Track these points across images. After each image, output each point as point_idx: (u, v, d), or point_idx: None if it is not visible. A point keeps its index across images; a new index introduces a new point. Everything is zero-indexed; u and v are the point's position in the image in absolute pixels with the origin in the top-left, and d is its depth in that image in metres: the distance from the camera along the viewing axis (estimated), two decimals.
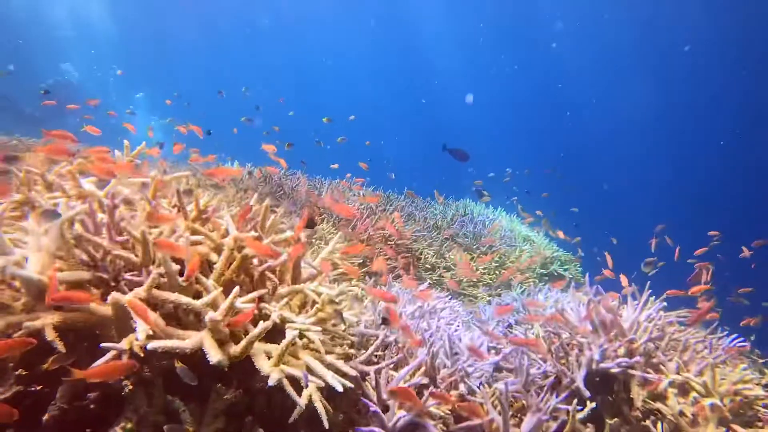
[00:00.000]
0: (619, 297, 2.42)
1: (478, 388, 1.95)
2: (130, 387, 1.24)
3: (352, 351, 1.56)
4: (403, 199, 4.13)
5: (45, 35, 20.38)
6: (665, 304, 2.35)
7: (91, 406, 1.29)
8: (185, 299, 1.25)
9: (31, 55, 19.69)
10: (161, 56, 23.77)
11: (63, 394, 1.28)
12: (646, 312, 2.22)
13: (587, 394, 1.95)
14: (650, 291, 2.28)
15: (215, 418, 1.34)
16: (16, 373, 1.24)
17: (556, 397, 1.91)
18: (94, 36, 20.57)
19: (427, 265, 3.38)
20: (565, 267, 3.86)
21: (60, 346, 1.18)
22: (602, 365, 2.05)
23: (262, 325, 1.24)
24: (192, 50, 24.24)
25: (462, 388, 1.94)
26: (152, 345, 1.14)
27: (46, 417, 1.21)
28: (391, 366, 1.68)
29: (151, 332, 1.15)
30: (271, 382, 1.18)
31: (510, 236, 3.89)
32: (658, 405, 1.92)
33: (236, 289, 1.25)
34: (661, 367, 2.05)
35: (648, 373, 2.02)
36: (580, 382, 2.01)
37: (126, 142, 1.73)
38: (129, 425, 1.24)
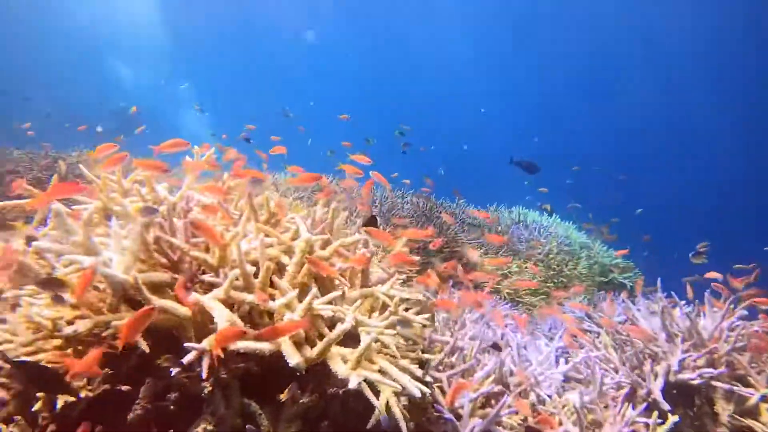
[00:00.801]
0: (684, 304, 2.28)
1: (549, 397, 1.87)
2: (210, 389, 1.24)
3: (425, 356, 1.52)
4: (455, 206, 4.07)
5: (104, 39, 21.34)
6: (746, 312, 2.20)
7: (171, 407, 1.30)
8: (262, 300, 1.25)
9: (95, 61, 20.74)
10: (203, 48, 24.03)
11: (145, 395, 1.29)
12: (727, 321, 2.08)
13: (667, 406, 1.84)
14: (733, 297, 2.14)
15: (290, 423, 1.32)
16: (103, 371, 1.26)
17: (632, 409, 1.81)
18: (144, 35, 21.21)
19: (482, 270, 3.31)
20: (626, 275, 3.70)
21: (144, 346, 1.20)
22: (681, 376, 1.94)
23: (340, 327, 1.22)
24: (229, 44, 24.37)
25: (532, 396, 1.87)
26: (233, 345, 1.13)
27: (131, 416, 1.22)
28: (462, 373, 1.63)
29: None
30: (351, 384, 1.15)
31: (567, 243, 3.77)
32: (749, 422, 1.78)
33: (314, 290, 1.23)
34: (749, 379, 1.91)
35: (734, 385, 1.88)
36: (657, 394, 1.89)
37: (196, 148, 1.76)
38: (209, 427, 1.24)
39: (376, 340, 1.39)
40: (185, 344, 1.14)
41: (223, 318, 1.15)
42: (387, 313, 1.47)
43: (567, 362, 2.13)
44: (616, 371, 2.12)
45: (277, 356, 1.23)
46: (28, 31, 21.24)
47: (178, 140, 1.64)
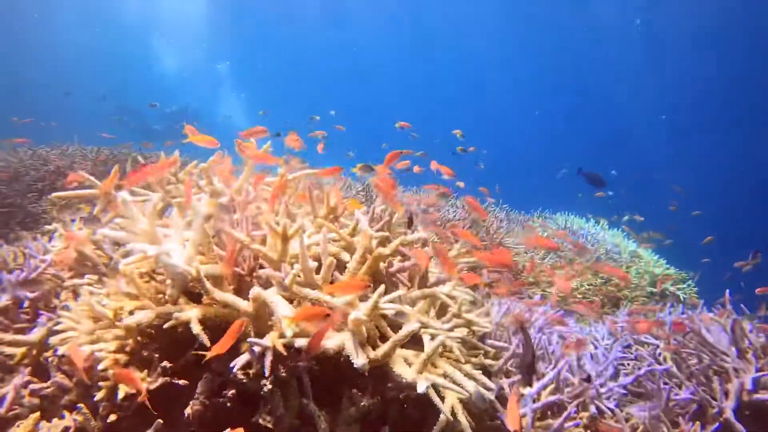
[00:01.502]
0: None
1: (611, 411, 1.77)
2: (269, 387, 1.21)
3: (488, 361, 1.45)
4: (499, 209, 3.97)
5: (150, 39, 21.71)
6: None
7: (228, 404, 1.27)
8: (326, 297, 1.20)
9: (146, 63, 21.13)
10: (240, 29, 23.75)
11: (203, 389, 1.27)
12: None
13: (741, 429, 1.71)
14: None
15: (349, 426, 1.27)
16: (162, 364, 1.24)
17: (702, 429, 1.69)
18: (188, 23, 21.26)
19: (530, 279, 3.21)
20: (679, 286, 3.53)
21: (205, 339, 1.17)
22: (757, 396, 1.80)
23: (407, 328, 1.16)
24: (269, 25, 24.01)
25: (592, 409, 1.77)
26: (299, 343, 1.09)
27: (189, 411, 1.19)
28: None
29: (297, 329, 1.11)
30: (419, 389, 1.10)
31: (616, 251, 3.62)
32: None
33: (382, 287, 1.18)
34: None
35: None
36: (730, 414, 1.77)
37: (253, 140, 1.74)
38: (266, 425, 1.21)
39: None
40: (249, 339, 1.10)
41: (286, 314, 1.11)
42: (450, 315, 1.41)
43: (618, 373, 2.02)
44: (680, 386, 2.00)
45: (336, 355, 1.19)
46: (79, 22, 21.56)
47: (259, 127, 1.64)
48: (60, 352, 1.23)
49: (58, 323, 1.33)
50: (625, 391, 1.88)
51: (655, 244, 4.21)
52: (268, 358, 1.11)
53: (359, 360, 1.11)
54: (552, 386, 1.70)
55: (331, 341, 1.14)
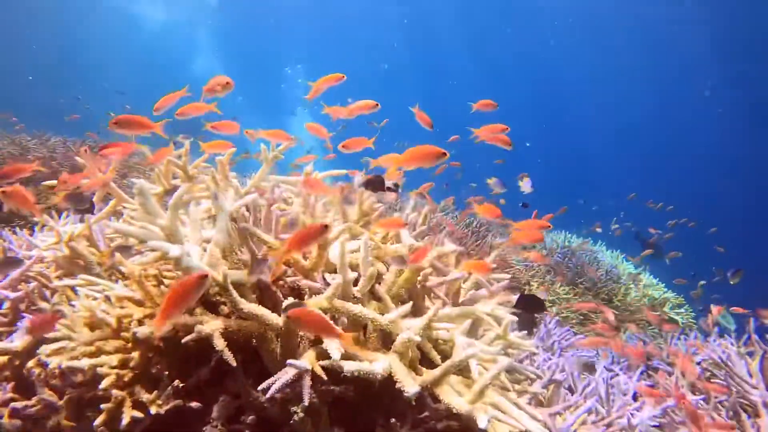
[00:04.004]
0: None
1: None
2: (302, 415, 1.05)
3: (533, 389, 1.32)
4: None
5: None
6: None
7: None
8: (371, 313, 1.05)
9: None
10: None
11: (219, 415, 1.10)
12: None
13: None
14: None
15: None
16: (174, 384, 1.07)
17: None
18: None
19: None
20: (677, 311, 3.49)
21: (230, 358, 1.00)
22: None
23: (463, 353, 1.02)
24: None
25: None
26: (348, 367, 0.94)
27: None
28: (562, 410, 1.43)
29: (343, 350, 0.96)
30: (481, 424, 0.95)
31: (615, 272, 3.56)
32: None
33: (439, 303, 1.04)
34: None
35: None
36: None
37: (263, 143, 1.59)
38: None
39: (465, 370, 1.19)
40: (289, 361, 0.94)
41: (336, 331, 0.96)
42: (494, 336, 1.28)
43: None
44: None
45: (370, 381, 1.03)
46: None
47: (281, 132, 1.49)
48: (52, 365, 1.04)
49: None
50: (656, 423, 1.78)
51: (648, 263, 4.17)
52: (306, 383, 0.96)
53: (412, 388, 0.97)
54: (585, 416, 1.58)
55: (379, 364, 0.99)
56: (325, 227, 0.97)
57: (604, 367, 2.12)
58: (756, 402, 1.83)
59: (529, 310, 1.37)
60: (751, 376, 2.00)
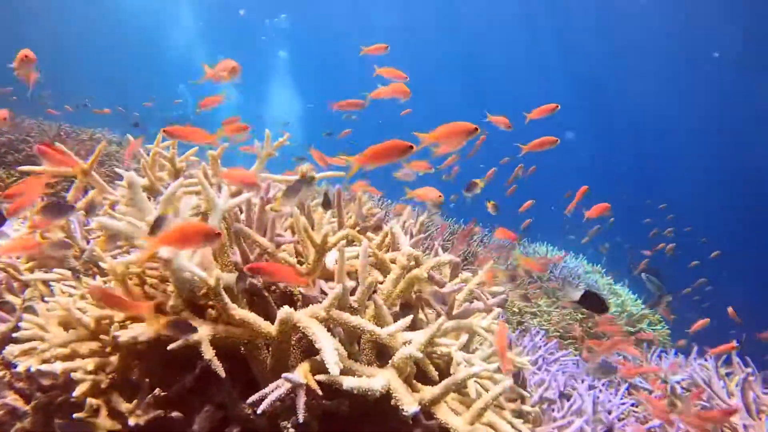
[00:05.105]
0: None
1: None
2: (292, 430, 0.98)
3: (526, 408, 1.28)
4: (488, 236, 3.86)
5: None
6: None
7: None
8: (369, 326, 1.00)
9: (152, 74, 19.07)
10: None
11: (201, 426, 1.03)
12: None
13: None
14: None
15: None
16: (154, 393, 0.99)
17: None
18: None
19: (514, 309, 3.10)
20: (654, 327, 3.53)
21: (220, 369, 0.94)
22: None
23: (466, 371, 0.98)
24: None
25: None
26: (348, 384, 0.88)
27: None
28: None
29: (341, 364, 0.90)
30: None
31: (596, 287, 3.58)
32: None
33: (443, 318, 0.99)
34: None
35: None
36: None
37: (267, 131, 1.51)
38: None
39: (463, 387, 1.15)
40: (284, 375, 0.88)
41: (331, 349, 0.90)
42: (490, 352, 1.24)
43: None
44: None
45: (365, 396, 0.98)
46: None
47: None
48: (21, 368, 0.95)
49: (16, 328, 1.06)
50: None
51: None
52: (301, 399, 0.90)
53: (411, 408, 0.91)
54: None
55: (377, 381, 0.93)
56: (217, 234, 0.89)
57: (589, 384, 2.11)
58: (736, 426, 1.84)
59: (591, 309, 1.34)
60: (730, 396, 2.01)
